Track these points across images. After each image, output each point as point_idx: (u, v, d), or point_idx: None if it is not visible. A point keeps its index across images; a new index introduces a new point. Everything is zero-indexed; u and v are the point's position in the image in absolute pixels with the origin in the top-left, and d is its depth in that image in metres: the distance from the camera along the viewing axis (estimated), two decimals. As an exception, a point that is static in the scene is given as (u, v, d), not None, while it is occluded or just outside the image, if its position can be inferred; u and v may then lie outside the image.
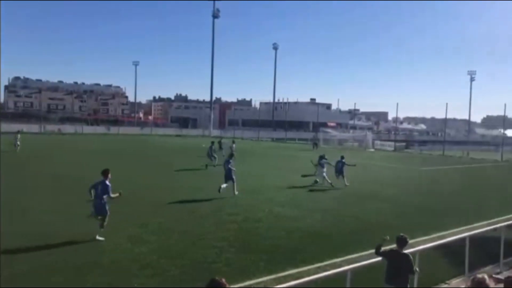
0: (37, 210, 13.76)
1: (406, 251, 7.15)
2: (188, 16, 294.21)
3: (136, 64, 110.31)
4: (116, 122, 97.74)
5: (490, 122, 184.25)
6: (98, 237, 10.74)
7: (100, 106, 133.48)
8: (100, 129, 75.15)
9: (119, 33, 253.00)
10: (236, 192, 17.57)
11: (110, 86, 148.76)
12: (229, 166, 18.03)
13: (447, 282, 9.01)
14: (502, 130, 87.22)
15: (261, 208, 15.54)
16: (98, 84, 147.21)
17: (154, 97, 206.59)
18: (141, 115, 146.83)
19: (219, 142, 34.52)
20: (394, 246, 7.21)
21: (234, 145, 32.80)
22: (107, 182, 11.30)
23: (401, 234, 7.22)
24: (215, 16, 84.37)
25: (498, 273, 8.92)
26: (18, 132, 35.32)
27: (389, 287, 7.01)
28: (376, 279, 8.79)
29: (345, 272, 6.70)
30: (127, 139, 54.51)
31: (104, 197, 11.13)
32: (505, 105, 51.56)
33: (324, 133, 72.56)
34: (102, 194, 11.09)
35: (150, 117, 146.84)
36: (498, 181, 29.19)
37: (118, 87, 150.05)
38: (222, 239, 11.33)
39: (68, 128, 68.68)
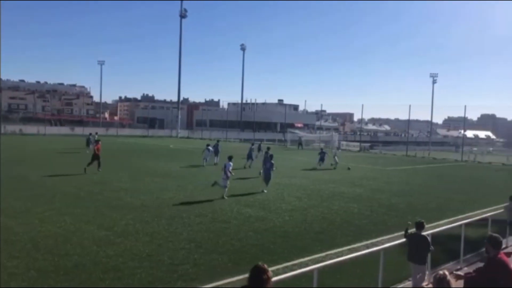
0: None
1: (424, 233, 8.52)
2: (155, 16, 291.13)
3: (101, 63, 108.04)
4: (80, 122, 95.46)
5: (451, 123, 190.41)
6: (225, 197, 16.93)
7: (64, 106, 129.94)
8: (64, 129, 73.18)
9: (84, 32, 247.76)
10: (265, 190, 19.69)
11: (74, 85, 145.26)
12: (271, 167, 20.59)
13: (410, 279, 9.25)
14: (462, 131, 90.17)
15: (229, 209, 15.53)
16: (61, 84, 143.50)
17: (120, 97, 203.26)
18: (106, 115, 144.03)
19: (259, 146, 38.38)
20: (413, 230, 8.51)
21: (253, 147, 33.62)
22: (231, 164, 18.13)
23: (419, 219, 8.71)
24: (182, 16, 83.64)
25: (458, 270, 9.22)
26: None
27: (412, 263, 8.46)
28: (342, 278, 8.97)
29: (311, 271, 6.77)
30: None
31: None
32: (465, 107, 53.44)
33: (292, 133, 73.12)
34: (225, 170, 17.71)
35: (116, 118, 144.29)
36: (459, 180, 30.20)
37: (83, 86, 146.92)
38: (190, 240, 11.26)
39: (30, 129, 66.54)
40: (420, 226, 8.48)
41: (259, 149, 36.72)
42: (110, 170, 24.43)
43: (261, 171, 24.19)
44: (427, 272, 8.68)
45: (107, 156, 34.39)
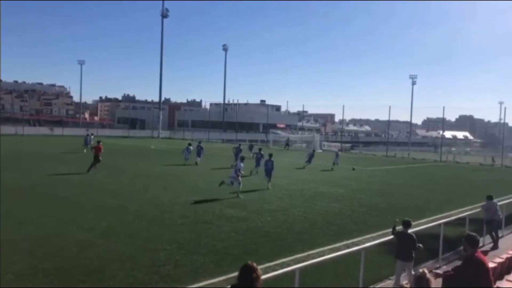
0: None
1: (410, 231, 8.82)
2: (137, 15, 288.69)
3: (81, 63, 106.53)
4: (60, 123, 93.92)
5: (430, 124, 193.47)
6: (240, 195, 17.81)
7: (43, 106, 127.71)
8: (43, 130, 71.87)
9: (64, 31, 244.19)
10: (270, 187, 21.09)
11: (53, 85, 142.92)
12: (271, 165, 21.90)
13: (391, 277, 9.37)
14: (440, 132, 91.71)
15: (211, 209, 15.49)
16: (40, 83, 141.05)
17: (101, 97, 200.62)
18: (86, 115, 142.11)
19: (251, 146, 40.49)
20: (401, 228, 8.82)
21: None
22: (242, 164, 19.29)
23: (406, 218, 9.01)
24: (164, 15, 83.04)
25: (437, 268, 9.39)
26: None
27: (398, 261, 8.72)
28: (323, 277, 9.04)
29: (293, 271, 6.81)
30: (71, 140, 52.50)
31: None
32: (443, 108, 54.40)
33: (274, 134, 73.30)
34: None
35: (96, 118, 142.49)
36: (437, 180, 30.70)
37: (62, 86, 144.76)
38: (172, 241, 11.20)
39: (8, 129, 65.11)
40: (407, 224, 8.80)
41: (250, 148, 39.04)
42: (91, 171, 24.14)
43: (256, 170, 25.73)
44: (412, 271, 8.81)
45: (88, 157, 34.00)
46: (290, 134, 77.07)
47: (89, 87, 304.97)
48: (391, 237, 9.35)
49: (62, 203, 15.50)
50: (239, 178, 18.72)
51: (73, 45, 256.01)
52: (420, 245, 8.69)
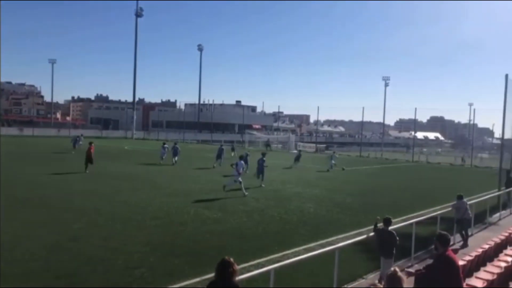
0: None
1: (390, 228, 9.12)
2: (111, 13, 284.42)
3: (52, 62, 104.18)
4: (30, 123, 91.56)
5: (402, 125, 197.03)
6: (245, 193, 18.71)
7: (12, 106, 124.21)
8: (12, 130, 69.90)
9: (34, 29, 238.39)
10: (263, 185, 22.28)
11: (23, 84, 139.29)
12: (263, 163, 23.32)
13: (364, 276, 9.49)
14: (412, 133, 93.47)
15: (186, 211, 15.37)
16: (9, 83, 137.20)
17: (73, 97, 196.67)
18: (58, 116, 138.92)
19: (232, 146, 43.40)
20: (381, 225, 9.13)
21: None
22: (242, 162, 20.20)
23: (387, 216, 9.27)
24: (138, 15, 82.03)
25: (409, 267, 9.56)
26: None
27: (382, 258, 8.99)
28: (298, 278, 9.07)
29: (268, 272, 6.81)
30: (41, 141, 51.31)
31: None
32: (415, 109, 55.55)
33: (250, 135, 73.31)
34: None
35: (69, 118, 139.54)
36: (410, 180, 31.29)
37: (33, 86, 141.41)
38: (145, 243, 11.06)
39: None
40: (387, 222, 9.09)
41: (232, 149, 41.66)
42: (62, 173, 23.64)
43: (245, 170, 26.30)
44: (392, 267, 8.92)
45: (58, 158, 33.29)
46: (265, 135, 77.23)
47: (61, 87, 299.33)
48: (364, 236, 9.46)
49: (32, 205, 15.11)
50: (240, 177, 19.69)
51: (44, 44, 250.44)
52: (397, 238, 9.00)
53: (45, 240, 10.90)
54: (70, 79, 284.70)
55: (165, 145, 33.18)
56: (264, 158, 23.93)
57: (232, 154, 40.59)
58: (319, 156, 52.45)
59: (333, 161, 35.33)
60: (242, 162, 20.94)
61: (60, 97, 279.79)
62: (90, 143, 26.29)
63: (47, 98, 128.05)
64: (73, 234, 11.59)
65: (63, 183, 20.35)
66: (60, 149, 41.02)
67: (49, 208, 14.77)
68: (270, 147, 59.23)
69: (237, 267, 4.65)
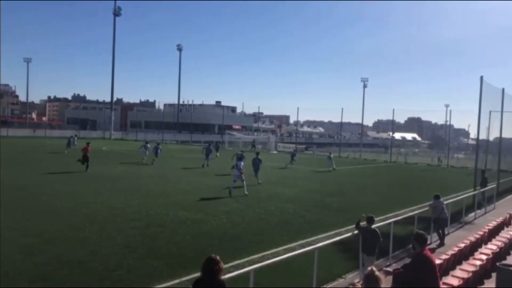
0: None
1: (373, 227, 9.35)
2: (88, 12, 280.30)
3: (28, 61, 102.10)
4: (4, 123, 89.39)
5: (380, 126, 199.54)
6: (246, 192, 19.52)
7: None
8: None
9: (8, 26, 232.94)
10: (260, 181, 23.75)
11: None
12: (259, 162, 24.85)
13: (343, 276, 9.56)
14: (390, 133, 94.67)
15: (165, 212, 15.23)
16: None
17: (49, 97, 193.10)
18: (34, 116, 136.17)
19: (216, 146, 43.54)
20: (364, 223, 9.39)
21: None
22: (242, 162, 20.77)
23: (370, 214, 9.52)
24: (116, 14, 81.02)
25: (387, 266, 9.67)
26: None
27: (364, 255, 9.18)
28: (278, 278, 9.08)
29: (248, 272, 6.80)
30: (16, 142, 50.19)
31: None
32: (393, 110, 56.02)
33: (230, 135, 73.19)
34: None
35: (45, 118, 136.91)
36: (388, 180, 31.69)
37: (7, 85, 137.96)
38: (124, 246, 10.91)
39: None
40: (370, 220, 9.34)
41: (217, 149, 41.97)
42: (39, 174, 23.18)
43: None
44: (374, 263, 9.00)
45: (36, 159, 32.62)
46: (245, 135, 77.26)
47: (37, 86, 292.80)
48: (346, 236, 9.54)
49: (5, 207, 14.75)
50: (242, 175, 20.15)
51: (19, 42, 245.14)
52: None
53: (19, 243, 10.65)
54: (46, 78, 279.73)
55: (148, 144, 33.99)
56: (259, 157, 25.28)
57: (217, 154, 40.58)
58: (298, 157, 52.75)
59: (332, 161, 36.06)
60: (242, 162, 21.40)
61: (36, 97, 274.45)
62: (88, 143, 27.43)
63: (22, 98, 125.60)
64: (49, 237, 11.36)
65: (40, 184, 19.94)
66: (35, 149, 40.23)
67: (24, 209, 14.46)
68: (255, 147, 59.37)
69: (223, 265, 4.68)
